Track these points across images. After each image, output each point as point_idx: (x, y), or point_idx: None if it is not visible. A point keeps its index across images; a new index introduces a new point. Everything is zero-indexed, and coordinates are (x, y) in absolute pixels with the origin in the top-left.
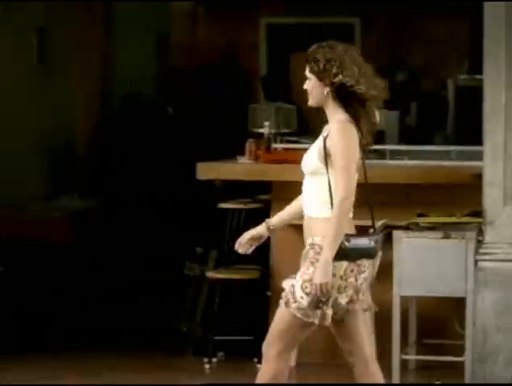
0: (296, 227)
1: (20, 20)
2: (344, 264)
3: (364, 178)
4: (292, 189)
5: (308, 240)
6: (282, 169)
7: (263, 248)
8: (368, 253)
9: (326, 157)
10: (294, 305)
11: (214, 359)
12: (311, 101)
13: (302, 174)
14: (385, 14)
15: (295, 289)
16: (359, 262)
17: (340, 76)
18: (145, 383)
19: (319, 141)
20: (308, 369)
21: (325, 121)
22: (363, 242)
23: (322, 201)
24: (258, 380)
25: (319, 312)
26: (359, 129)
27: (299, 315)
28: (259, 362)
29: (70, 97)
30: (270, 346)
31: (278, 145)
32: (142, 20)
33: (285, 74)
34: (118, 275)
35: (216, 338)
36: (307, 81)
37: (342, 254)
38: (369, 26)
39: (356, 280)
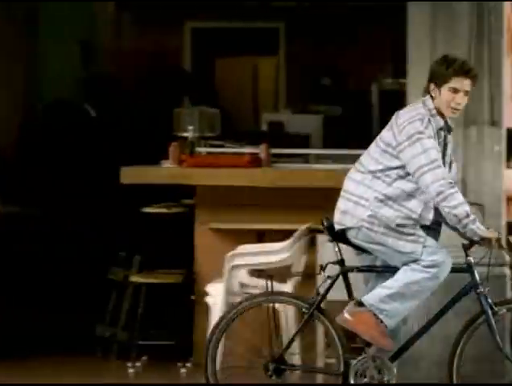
0: (218, 232)
1: None
2: None
3: None
4: (216, 193)
5: None
6: (206, 173)
7: (187, 253)
8: None
9: None
10: None
11: (138, 364)
12: None
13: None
14: (309, 19)
15: None
16: None
17: None
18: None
19: None
20: (231, 374)
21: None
22: None
23: None
24: None
25: None
26: None
27: None
28: (183, 366)
29: None
30: None
31: (202, 149)
32: (67, 27)
33: (210, 78)
34: (41, 280)
35: (140, 342)
36: None
37: None
38: (293, 30)
39: None
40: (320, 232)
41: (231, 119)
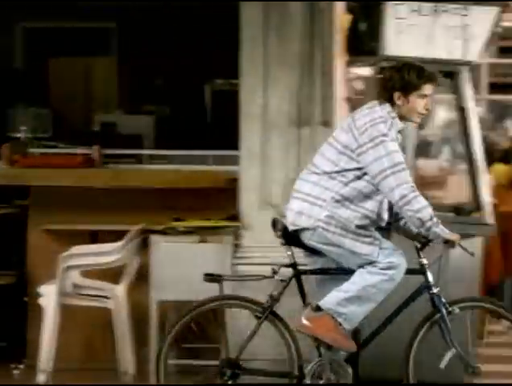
0: (52, 232)
1: None
2: None
3: None
4: (50, 194)
5: None
6: (39, 174)
7: (19, 253)
8: None
9: None
10: None
11: None
12: None
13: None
14: (142, 19)
15: None
16: None
17: None
18: None
19: None
20: (65, 375)
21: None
22: None
23: None
24: None
25: None
26: None
27: None
28: (16, 367)
29: None
30: None
31: (35, 150)
32: None
33: (43, 79)
34: None
35: None
36: None
37: None
38: (126, 30)
39: None
40: (153, 232)
41: (64, 120)
